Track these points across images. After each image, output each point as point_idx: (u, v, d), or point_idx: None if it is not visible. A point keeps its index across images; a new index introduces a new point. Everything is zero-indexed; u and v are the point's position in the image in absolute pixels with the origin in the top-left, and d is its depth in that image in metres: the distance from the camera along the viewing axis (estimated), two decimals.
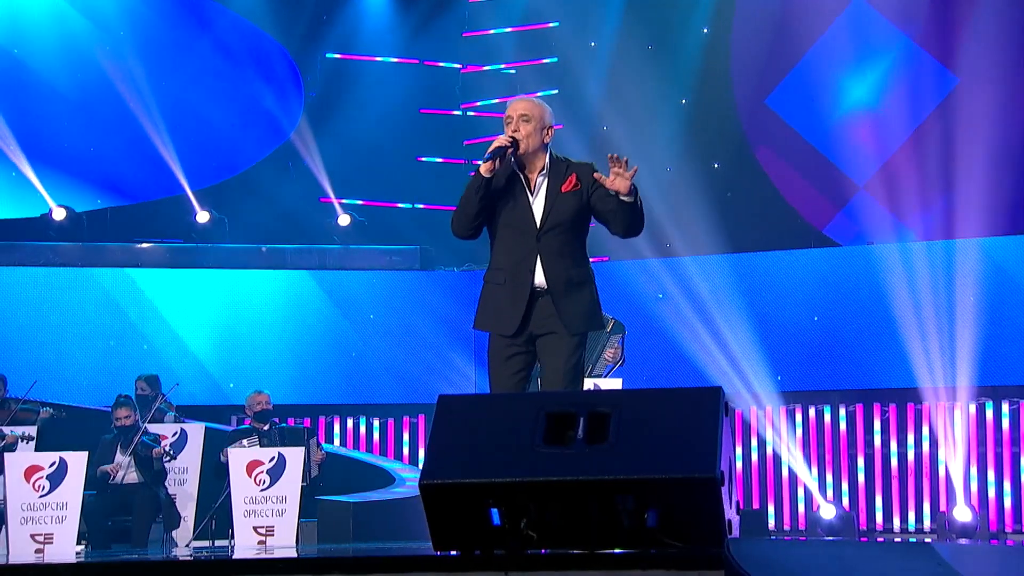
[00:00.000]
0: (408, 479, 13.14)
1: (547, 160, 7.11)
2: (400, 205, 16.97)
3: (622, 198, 6.89)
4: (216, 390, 14.55)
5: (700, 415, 4.99)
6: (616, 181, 6.85)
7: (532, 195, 7.06)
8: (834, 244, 15.07)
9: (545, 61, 16.86)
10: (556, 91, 16.50)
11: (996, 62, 14.71)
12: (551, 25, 16.94)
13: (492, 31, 17.24)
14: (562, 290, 7.04)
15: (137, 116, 15.99)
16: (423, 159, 17.15)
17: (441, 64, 17.23)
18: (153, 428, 12.23)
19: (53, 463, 10.71)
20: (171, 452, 12.06)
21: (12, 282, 15.72)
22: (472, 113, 17.33)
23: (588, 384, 11.12)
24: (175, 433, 12.48)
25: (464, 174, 16.72)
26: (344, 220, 16.43)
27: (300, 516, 11.41)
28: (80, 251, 16.16)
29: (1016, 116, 14.49)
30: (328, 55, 17.17)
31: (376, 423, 15.78)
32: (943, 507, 13.72)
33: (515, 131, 7.04)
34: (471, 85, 17.24)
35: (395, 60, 17.13)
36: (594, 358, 11.26)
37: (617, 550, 4.92)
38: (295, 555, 7.98)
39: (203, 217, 16.17)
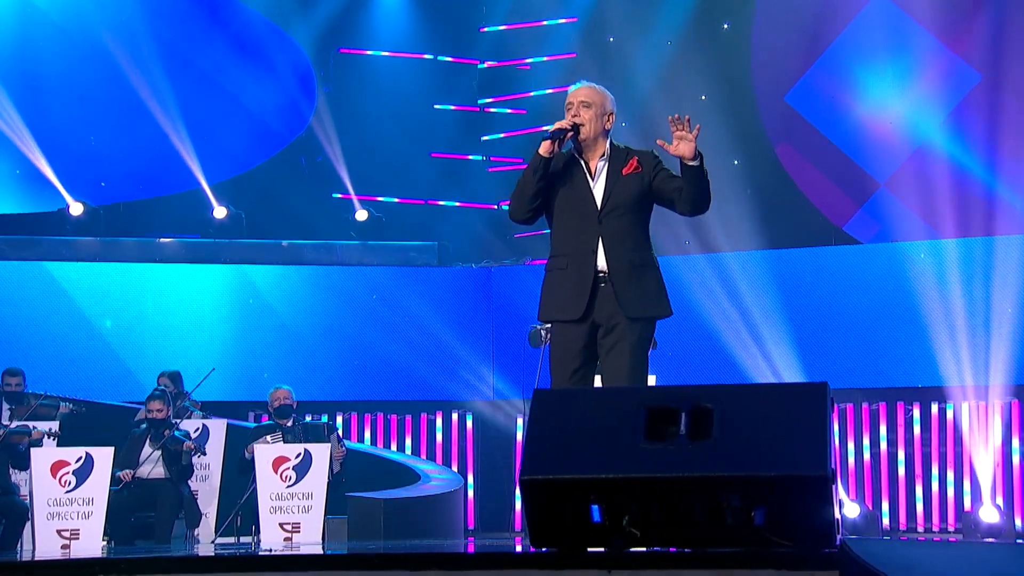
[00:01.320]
0: (434, 477, 12.99)
1: (607, 146, 7.09)
2: (416, 201, 16.62)
3: (687, 163, 6.81)
4: (233, 386, 14.34)
5: (806, 411, 4.87)
6: (680, 145, 6.79)
7: (593, 180, 7.04)
8: (855, 242, 14.86)
9: (563, 57, 16.49)
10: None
11: (1018, 58, 14.50)
12: (570, 21, 16.54)
13: (510, 26, 16.98)
14: (625, 274, 6.98)
15: (153, 111, 15.75)
16: (437, 155, 16.75)
17: (458, 60, 16.88)
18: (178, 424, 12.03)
19: (79, 458, 10.73)
20: (203, 450, 11.93)
21: (29, 277, 15.62)
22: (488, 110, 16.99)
23: None
24: (197, 429, 12.42)
25: (482, 170, 16.61)
26: (361, 215, 16.26)
27: (326, 513, 11.23)
28: (97, 246, 15.97)
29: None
30: (342, 50, 16.75)
31: (394, 420, 15.51)
32: (968, 507, 13.51)
33: (575, 115, 7.02)
34: (489, 80, 16.93)
35: (410, 55, 16.85)
36: None
37: (723, 549, 4.81)
38: (321, 551, 7.81)
39: (220, 212, 16.04)
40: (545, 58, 16.87)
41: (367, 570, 4.81)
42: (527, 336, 11.48)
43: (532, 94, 16.75)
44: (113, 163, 16.50)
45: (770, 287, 14.62)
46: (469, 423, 15.69)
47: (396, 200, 16.85)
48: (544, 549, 4.94)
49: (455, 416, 15.68)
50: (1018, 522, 13.41)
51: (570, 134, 6.94)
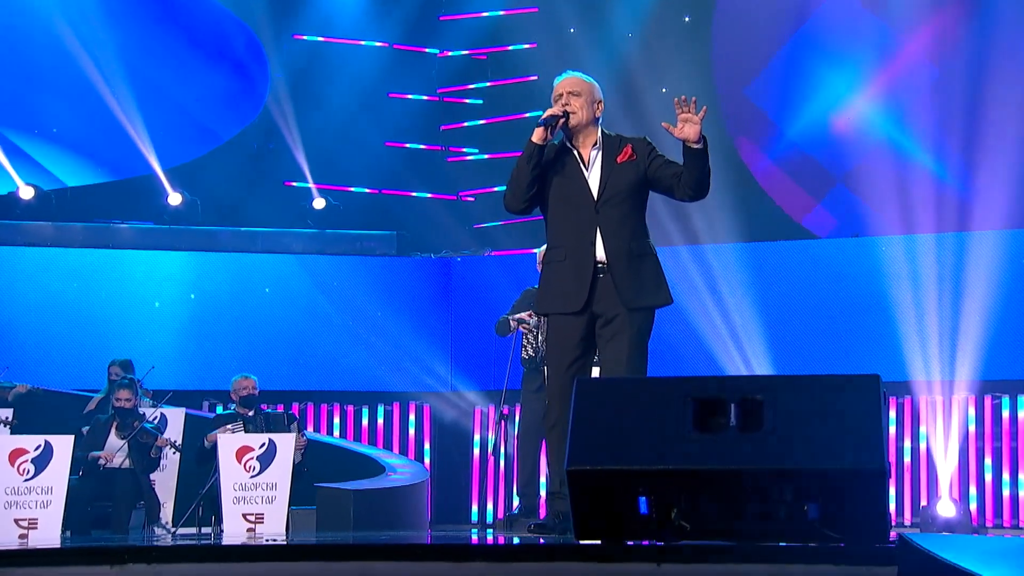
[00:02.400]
0: (399, 469, 12.79)
1: (599, 134, 7.06)
2: (374, 191, 16.41)
3: (691, 146, 6.73)
4: (187, 375, 14.06)
5: (860, 403, 4.78)
6: (685, 128, 6.72)
7: (587, 169, 6.99)
8: (812, 236, 14.77)
9: (524, 47, 16.29)
10: (536, 77, 16.17)
11: (976, 54, 14.45)
12: (530, 11, 16.39)
13: (470, 15, 16.71)
14: (623, 264, 6.94)
15: (103, 95, 15.39)
16: (394, 144, 16.49)
17: (416, 49, 16.66)
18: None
19: (39, 446, 10.48)
20: (179, 446, 11.68)
21: None
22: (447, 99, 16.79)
23: None
24: (155, 418, 12.10)
25: (442, 159, 16.41)
26: (319, 204, 15.97)
27: (290, 503, 11.07)
28: (48, 231, 15.60)
29: (995, 109, 14.21)
30: (296, 36, 16.47)
31: (350, 411, 15.28)
32: (924, 501, 13.45)
33: (566, 104, 6.98)
34: (448, 70, 16.71)
35: (367, 43, 16.62)
36: None
37: (775, 543, 4.76)
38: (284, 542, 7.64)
39: (175, 199, 15.70)
40: (506, 48, 16.51)
41: (413, 560, 4.59)
42: (494, 326, 11.25)
43: (492, 84, 16.52)
44: (64, 146, 16.02)
45: (721, 281, 14.45)
46: (426, 415, 15.42)
47: (354, 189, 16.47)
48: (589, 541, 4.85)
49: (411, 408, 15.38)
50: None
51: (562, 121, 6.90)
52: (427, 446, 15.42)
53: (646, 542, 4.65)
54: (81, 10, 15.73)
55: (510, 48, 16.61)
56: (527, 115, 16.10)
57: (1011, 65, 14.37)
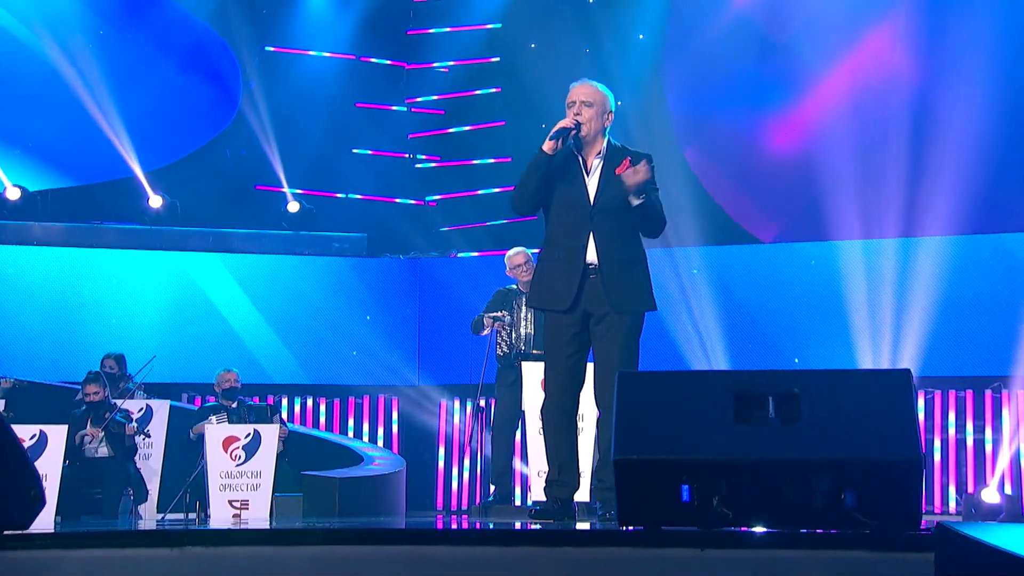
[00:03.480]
0: (377, 458, 12.63)
1: (605, 144, 7.04)
2: (342, 195, 16.21)
3: (630, 200, 6.87)
4: (168, 368, 13.83)
5: (893, 397, 4.67)
6: (626, 180, 6.85)
7: (588, 176, 6.99)
8: (759, 241, 14.70)
9: (487, 60, 16.17)
10: (499, 89, 16.01)
11: (922, 62, 14.41)
12: (493, 26, 16.31)
13: (436, 30, 16.53)
14: (613, 269, 6.92)
15: (86, 102, 15.14)
16: (367, 151, 16.28)
17: (386, 62, 16.46)
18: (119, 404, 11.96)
19: (33, 436, 10.48)
20: (146, 432, 11.55)
21: None
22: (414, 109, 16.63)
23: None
24: (140, 409, 12.20)
25: (410, 166, 16.24)
26: (293, 207, 15.75)
27: (274, 491, 11.21)
28: (35, 231, 15.35)
29: (934, 122, 14.15)
30: (268, 48, 16.23)
31: (322, 403, 15.08)
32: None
33: (577, 114, 6.99)
34: (416, 81, 16.51)
35: (339, 56, 16.34)
36: None
37: (812, 530, 4.62)
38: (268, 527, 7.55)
39: (156, 202, 15.45)
40: (471, 61, 16.36)
41: (463, 545, 4.56)
42: (470, 324, 11.18)
43: (457, 95, 16.35)
44: (47, 149, 15.69)
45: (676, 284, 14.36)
46: (393, 408, 15.21)
47: (326, 194, 16.24)
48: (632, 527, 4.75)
49: (381, 400, 15.17)
50: None
51: (573, 132, 6.91)
52: (395, 438, 15.16)
53: (689, 528, 4.50)
54: (65, 23, 15.44)
55: (474, 62, 16.34)
56: (487, 125, 15.97)
57: (956, 75, 14.27)
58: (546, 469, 11.12)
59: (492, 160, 16.04)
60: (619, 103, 7.36)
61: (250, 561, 4.64)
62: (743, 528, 4.56)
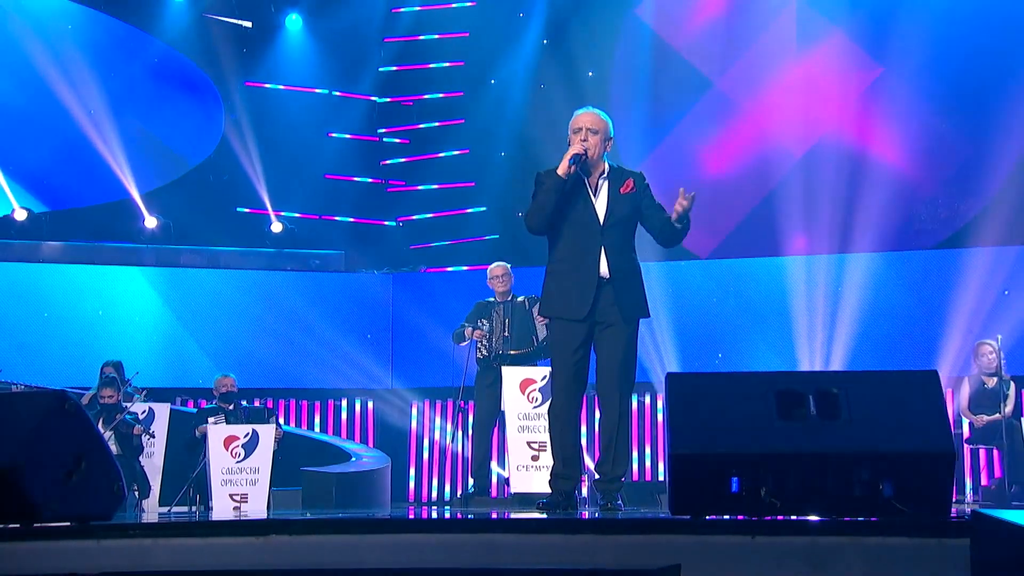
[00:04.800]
0: (363, 455, 12.50)
1: (606, 166, 7.12)
2: (326, 217, 16.13)
3: (675, 223, 6.97)
4: (163, 374, 13.70)
5: (925, 394, 4.62)
6: (677, 207, 6.92)
7: (594, 196, 7.03)
8: (695, 257, 14.69)
9: (452, 95, 16.15)
10: (463, 120, 15.90)
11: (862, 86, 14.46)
12: (457, 64, 16.24)
13: (406, 67, 16.50)
14: (622, 279, 6.97)
15: (87, 130, 14.94)
16: (339, 177, 16.24)
17: (357, 96, 16.40)
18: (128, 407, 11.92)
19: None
20: (151, 432, 11.37)
21: None
22: (387, 140, 16.62)
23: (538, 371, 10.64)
24: (144, 412, 12.01)
25: (382, 191, 16.10)
26: (276, 227, 15.66)
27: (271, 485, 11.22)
28: (40, 249, 15.18)
29: (862, 151, 14.21)
30: (247, 83, 16.09)
31: (304, 405, 14.95)
32: None
33: (584, 140, 7.03)
34: (386, 114, 16.42)
35: (312, 90, 16.30)
36: (533, 327, 10.93)
37: (854, 517, 4.53)
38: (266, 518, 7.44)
39: (151, 222, 15.24)
40: (439, 95, 16.29)
41: (530, 533, 4.43)
42: (452, 335, 11.11)
43: (423, 126, 16.26)
44: (51, 174, 15.54)
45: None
46: (369, 409, 15.04)
47: (305, 215, 16.08)
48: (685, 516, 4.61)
49: (358, 402, 15.00)
50: None
51: (583, 158, 6.97)
52: (370, 436, 15.01)
53: (740, 517, 4.47)
54: (72, 59, 15.35)
55: (440, 96, 16.24)
56: (452, 153, 15.86)
57: (881, 108, 14.35)
58: (524, 463, 11.04)
59: (456, 185, 15.97)
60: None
61: (326, 548, 4.52)
62: (790, 517, 4.48)
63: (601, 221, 6.93)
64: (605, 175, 7.03)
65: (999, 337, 11.63)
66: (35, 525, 4.72)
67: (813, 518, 4.47)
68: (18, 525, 4.72)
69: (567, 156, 6.91)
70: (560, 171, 6.88)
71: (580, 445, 7.18)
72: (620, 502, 7.11)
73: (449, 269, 15.70)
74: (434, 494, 14.64)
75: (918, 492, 4.38)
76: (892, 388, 4.63)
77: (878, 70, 14.44)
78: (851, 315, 13.46)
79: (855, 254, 13.94)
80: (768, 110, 14.85)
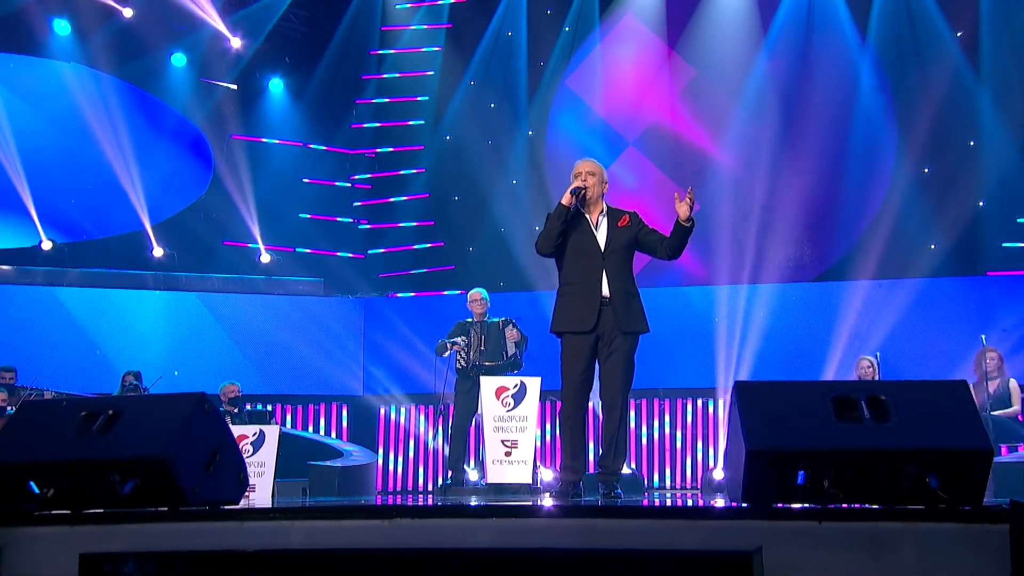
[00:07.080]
0: (353, 452, 12.13)
1: (604, 205, 7.12)
2: (308, 250, 15.86)
3: (681, 223, 6.76)
4: (166, 383, 13.15)
5: (959, 401, 4.50)
6: (680, 208, 6.72)
7: (596, 229, 6.98)
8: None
9: (414, 149, 16.00)
10: (424, 170, 15.69)
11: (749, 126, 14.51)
12: (417, 123, 16.24)
13: (374, 124, 16.24)
14: (621, 299, 6.89)
15: (107, 169, 14.64)
16: (319, 216, 16.00)
17: (333, 149, 16.20)
18: None
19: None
20: None
21: (21, 297, 14.33)
22: (356, 186, 16.41)
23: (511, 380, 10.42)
24: None
25: (355, 228, 15.81)
26: (266, 258, 15.36)
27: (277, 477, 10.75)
28: (64, 275, 14.76)
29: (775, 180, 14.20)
30: (234, 136, 15.76)
31: (288, 409, 14.66)
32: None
33: (584, 180, 7.01)
34: (356, 162, 16.19)
35: (295, 143, 16.11)
36: (503, 344, 10.73)
37: (903, 506, 4.35)
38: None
39: (158, 252, 14.77)
40: (404, 148, 16.08)
41: (613, 519, 4.29)
42: (435, 348, 10.87)
43: (389, 174, 16.04)
44: (69, 209, 15.05)
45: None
46: (344, 413, 14.69)
47: (288, 248, 15.74)
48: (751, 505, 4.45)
49: (333, 408, 14.67)
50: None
51: (583, 192, 6.94)
52: (344, 435, 14.69)
53: (808, 505, 4.35)
54: (93, 115, 14.97)
55: (405, 149, 16.09)
56: (414, 197, 15.65)
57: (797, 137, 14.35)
58: (499, 458, 10.77)
59: (416, 224, 15.76)
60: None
61: (444, 530, 4.32)
62: (850, 505, 4.37)
63: (602, 248, 6.87)
64: (604, 212, 7.01)
65: (878, 354, 11.72)
66: (181, 509, 4.69)
67: (871, 506, 4.33)
68: (166, 508, 4.68)
69: (569, 189, 6.95)
70: (565, 200, 6.89)
71: (586, 444, 7.12)
72: (619, 490, 6.98)
73: (412, 294, 15.55)
74: (409, 484, 14.50)
75: (959, 484, 4.24)
76: (930, 395, 4.51)
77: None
78: (755, 336, 13.53)
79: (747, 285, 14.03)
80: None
